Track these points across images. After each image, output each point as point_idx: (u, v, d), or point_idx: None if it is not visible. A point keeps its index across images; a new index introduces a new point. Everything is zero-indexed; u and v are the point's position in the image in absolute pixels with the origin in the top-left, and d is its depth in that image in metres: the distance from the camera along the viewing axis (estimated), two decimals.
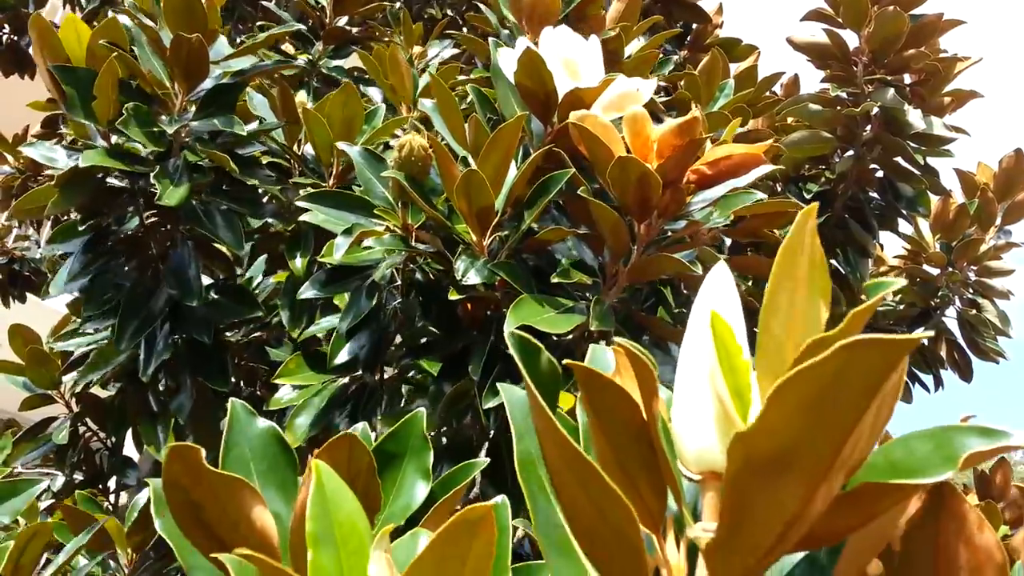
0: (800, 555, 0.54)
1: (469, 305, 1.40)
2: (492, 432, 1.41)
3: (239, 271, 1.90)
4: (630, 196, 1.18)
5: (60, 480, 2.19)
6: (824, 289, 0.46)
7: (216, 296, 1.66)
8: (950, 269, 2.84)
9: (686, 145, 1.14)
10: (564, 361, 0.50)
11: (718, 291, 0.51)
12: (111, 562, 1.70)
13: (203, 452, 0.66)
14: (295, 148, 1.73)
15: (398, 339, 1.58)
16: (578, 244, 1.37)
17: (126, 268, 1.60)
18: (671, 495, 0.50)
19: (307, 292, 1.45)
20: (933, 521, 0.48)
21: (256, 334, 1.97)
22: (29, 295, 3.20)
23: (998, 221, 2.91)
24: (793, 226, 0.47)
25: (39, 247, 3.06)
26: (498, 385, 0.61)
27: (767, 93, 2.44)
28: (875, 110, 2.35)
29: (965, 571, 0.48)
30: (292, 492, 0.74)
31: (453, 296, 1.25)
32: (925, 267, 2.90)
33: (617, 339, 0.52)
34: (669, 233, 1.29)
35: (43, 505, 2.07)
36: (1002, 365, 2.95)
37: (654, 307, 1.57)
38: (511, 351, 0.52)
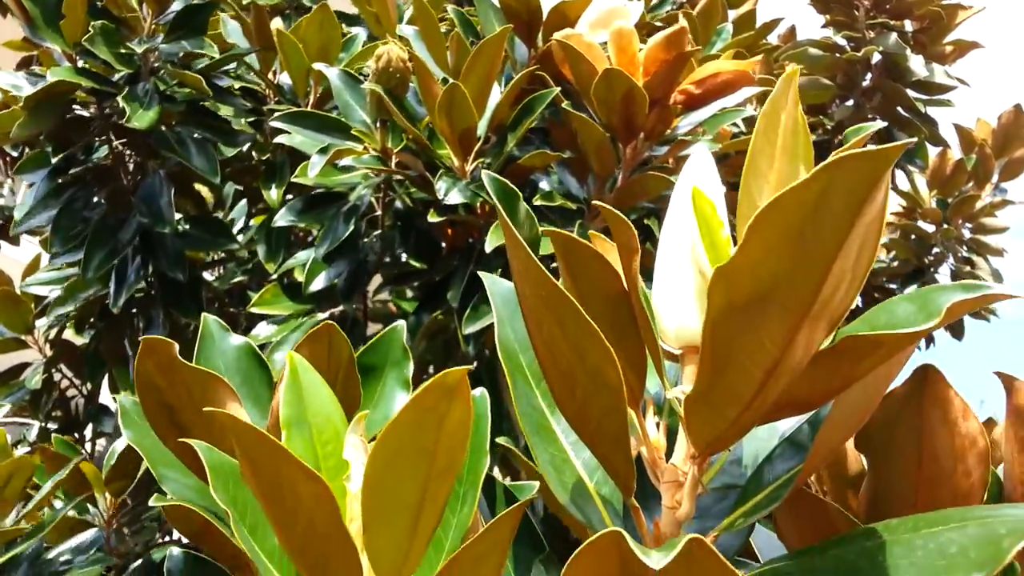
0: (779, 437, 0.51)
1: (450, 231, 1.35)
2: (474, 362, 1.37)
3: (219, 215, 1.85)
4: (615, 115, 1.13)
5: (35, 430, 2.15)
6: (806, 156, 0.46)
7: (189, 228, 1.60)
8: (945, 225, 2.81)
9: (674, 59, 1.09)
10: (541, 228, 0.47)
11: (699, 171, 0.50)
12: (90, 506, 1.66)
13: (176, 347, 0.62)
14: (270, 76, 1.67)
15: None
16: (562, 172, 1.32)
17: (95, 199, 1.55)
18: (651, 369, 0.48)
19: (282, 220, 1.40)
20: (917, 407, 0.47)
21: (237, 279, 1.92)
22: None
23: (995, 178, 2.88)
24: (774, 90, 0.46)
25: (14, 195, 2.99)
26: (480, 274, 0.58)
27: (764, 41, 2.39)
28: (876, 57, 2.31)
29: (949, 458, 0.47)
30: (267, 407, 0.71)
31: (433, 218, 1.21)
32: (920, 223, 2.87)
33: (596, 202, 0.48)
34: (655, 157, 1.24)
35: (19, 452, 2.03)
36: (993, 324, 2.92)
37: (642, 244, 1.51)
38: (487, 188, 0.49)
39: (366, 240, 1.47)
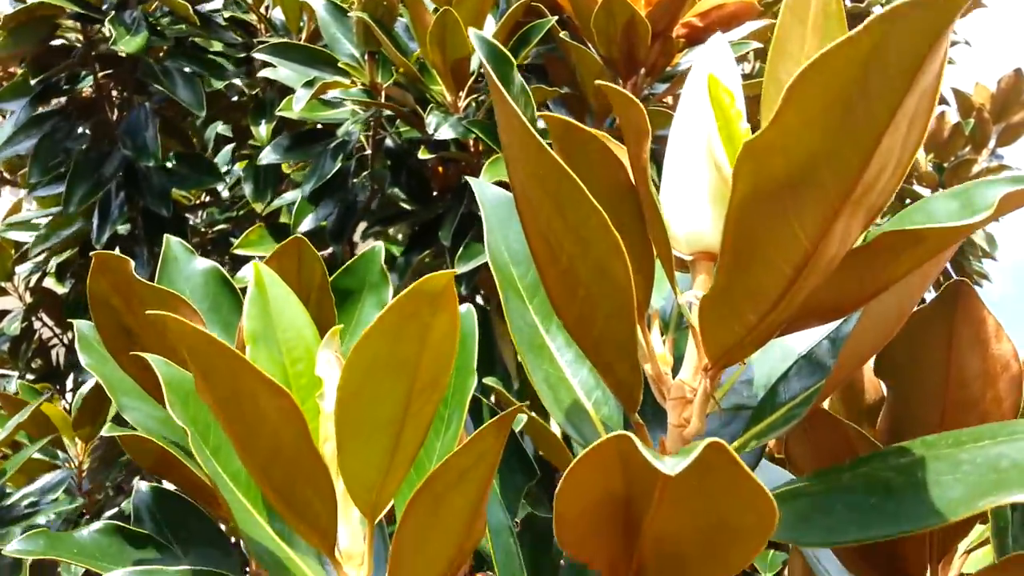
0: (796, 354, 0.47)
1: (441, 169, 1.31)
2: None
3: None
4: (616, 47, 1.08)
5: (15, 381, 2.11)
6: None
7: (174, 165, 1.56)
8: (940, 189, 2.78)
9: None
10: (538, 114, 0.42)
11: (715, 59, 0.44)
12: (59, 452, 1.62)
13: (132, 263, 0.58)
14: (262, 11, 1.62)
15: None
16: (559, 110, 1.27)
17: (78, 131, 1.50)
18: (658, 275, 0.43)
19: (268, 157, 1.35)
20: (946, 325, 0.42)
21: (221, 227, 1.88)
22: None
23: (992, 143, 2.84)
24: None
25: None
26: (469, 179, 0.52)
27: None
28: (878, 10, 2.28)
29: (978, 382, 0.42)
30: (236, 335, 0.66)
31: (424, 155, 1.16)
32: (916, 187, 2.83)
33: (599, 82, 0.43)
34: (653, 96, 1.19)
35: None
36: (986, 289, 2.90)
37: None
38: (476, 49, 0.44)
39: (356, 180, 1.42)
